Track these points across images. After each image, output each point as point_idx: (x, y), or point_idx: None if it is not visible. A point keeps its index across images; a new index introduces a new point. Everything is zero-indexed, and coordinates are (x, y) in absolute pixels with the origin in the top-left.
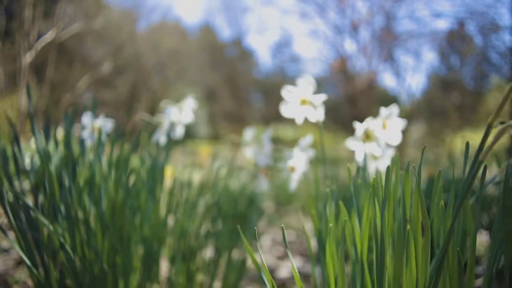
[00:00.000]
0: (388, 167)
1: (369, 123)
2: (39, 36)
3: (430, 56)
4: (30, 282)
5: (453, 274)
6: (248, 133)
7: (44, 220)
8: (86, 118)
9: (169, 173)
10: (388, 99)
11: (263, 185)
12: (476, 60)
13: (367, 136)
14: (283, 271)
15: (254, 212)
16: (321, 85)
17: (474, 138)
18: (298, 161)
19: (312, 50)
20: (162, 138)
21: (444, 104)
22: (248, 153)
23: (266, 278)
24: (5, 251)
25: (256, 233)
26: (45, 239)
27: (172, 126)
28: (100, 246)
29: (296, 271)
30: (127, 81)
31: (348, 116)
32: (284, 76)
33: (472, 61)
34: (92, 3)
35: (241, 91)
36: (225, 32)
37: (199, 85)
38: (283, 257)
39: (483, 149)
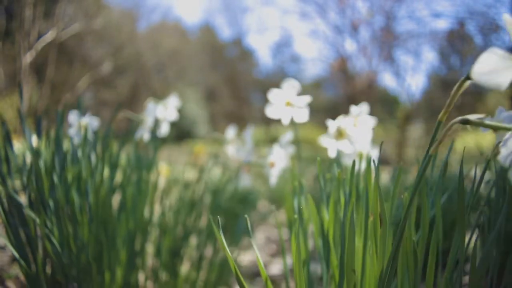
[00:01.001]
0: (353, 161)
1: (341, 121)
2: (39, 36)
3: (430, 56)
4: (22, 277)
5: (410, 261)
6: (230, 131)
7: (31, 214)
8: (73, 117)
9: (162, 170)
10: (388, 99)
11: (245, 181)
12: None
13: (340, 134)
14: (275, 268)
15: (245, 208)
16: (321, 85)
17: (474, 138)
18: (278, 157)
19: (312, 50)
20: (145, 135)
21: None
22: (231, 151)
23: (234, 273)
24: (1, 248)
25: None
26: (32, 232)
27: (157, 123)
28: (86, 240)
29: (264, 269)
30: (127, 81)
31: None
32: (284, 76)
33: (472, 61)
34: (92, 3)
35: (241, 91)
36: (225, 32)
37: (199, 85)
38: (276, 254)
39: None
